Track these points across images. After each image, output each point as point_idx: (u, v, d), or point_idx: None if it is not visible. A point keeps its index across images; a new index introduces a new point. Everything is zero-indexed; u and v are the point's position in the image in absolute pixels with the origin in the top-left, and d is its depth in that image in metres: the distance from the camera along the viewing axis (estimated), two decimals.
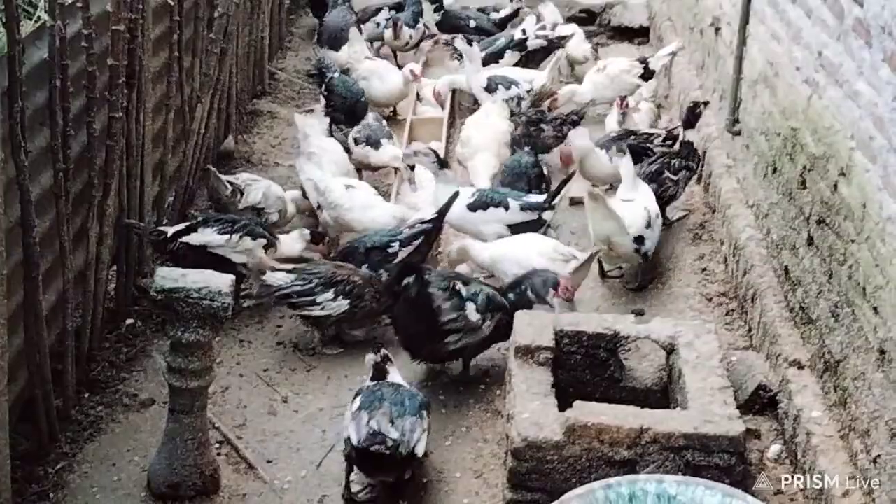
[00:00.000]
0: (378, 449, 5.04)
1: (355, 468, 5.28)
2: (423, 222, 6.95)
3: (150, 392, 5.95)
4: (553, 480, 5.00)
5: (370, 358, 5.70)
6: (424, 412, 5.35)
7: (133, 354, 6.26)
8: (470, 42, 9.63)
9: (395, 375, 5.64)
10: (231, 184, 7.47)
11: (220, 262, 6.43)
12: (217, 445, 5.57)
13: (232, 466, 5.51)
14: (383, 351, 5.73)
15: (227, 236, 6.60)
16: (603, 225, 6.86)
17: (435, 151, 7.39)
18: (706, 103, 8.07)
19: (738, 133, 7.70)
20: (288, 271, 6.44)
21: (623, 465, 4.99)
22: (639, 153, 7.84)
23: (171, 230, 6.64)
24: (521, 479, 5.05)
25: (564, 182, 7.42)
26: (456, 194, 7.06)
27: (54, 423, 5.48)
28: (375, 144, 8.40)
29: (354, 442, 5.14)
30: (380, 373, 5.62)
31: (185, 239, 6.57)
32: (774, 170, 6.63)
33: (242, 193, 7.45)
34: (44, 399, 5.38)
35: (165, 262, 6.63)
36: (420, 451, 5.20)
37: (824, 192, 5.61)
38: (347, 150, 8.42)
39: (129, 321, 6.51)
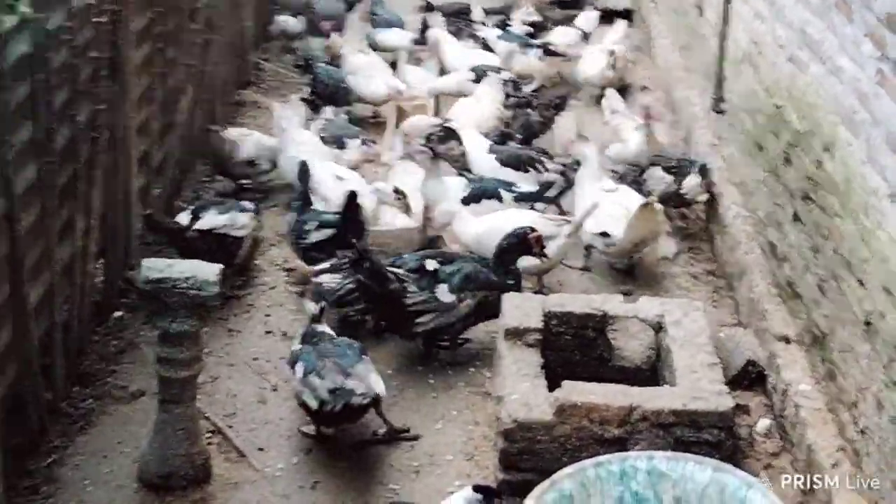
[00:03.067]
0: (357, 402, 5.22)
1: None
2: (328, 225, 6.85)
3: (139, 384, 5.93)
4: (544, 460, 5.02)
5: (310, 307, 5.98)
6: (364, 355, 5.55)
7: (122, 347, 6.25)
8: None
9: (323, 327, 5.85)
10: (230, 141, 7.99)
11: (224, 242, 6.71)
12: (208, 435, 5.56)
13: (223, 455, 5.50)
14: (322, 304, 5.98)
15: (226, 216, 6.75)
16: (648, 229, 6.86)
17: (428, 146, 7.40)
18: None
19: (723, 112, 7.72)
20: (328, 271, 6.46)
21: (613, 443, 5.02)
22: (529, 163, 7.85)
23: (183, 220, 6.76)
24: (512, 460, 5.08)
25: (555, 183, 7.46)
26: (353, 194, 6.86)
27: (44, 417, 5.46)
28: (342, 145, 8.31)
29: (315, 407, 5.29)
30: (315, 322, 5.86)
31: (196, 226, 6.70)
32: (759, 147, 6.65)
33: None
34: (33, 393, 5.35)
35: (181, 252, 6.60)
36: (382, 391, 5.40)
37: (809, 167, 5.63)
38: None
39: (117, 314, 6.49)
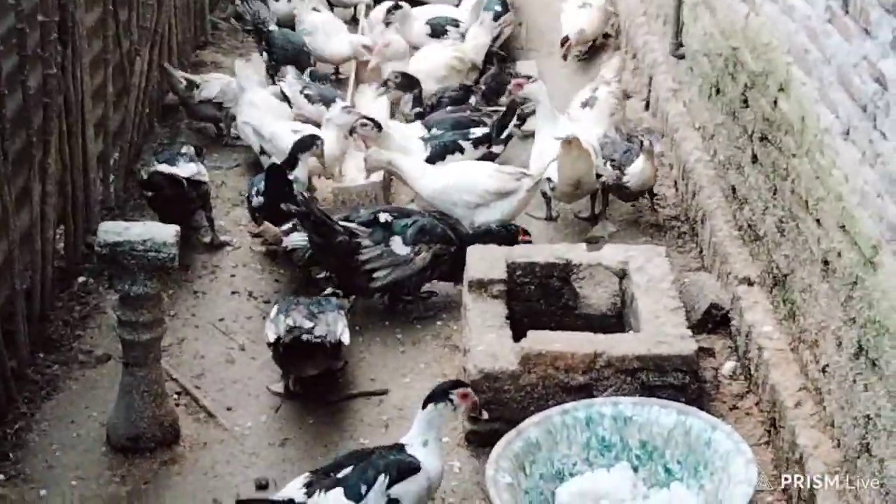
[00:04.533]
0: (307, 338, 5.28)
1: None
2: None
3: (105, 348, 5.91)
4: (511, 410, 5.05)
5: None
6: (341, 311, 5.61)
7: (86, 312, 6.22)
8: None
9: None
10: (186, 78, 8.14)
11: (199, 191, 6.79)
12: (175, 396, 5.57)
13: (192, 416, 5.51)
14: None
15: (194, 164, 6.79)
16: (576, 168, 6.71)
17: (370, 119, 7.29)
18: None
19: (682, 56, 7.70)
20: (295, 229, 6.39)
21: (580, 390, 5.05)
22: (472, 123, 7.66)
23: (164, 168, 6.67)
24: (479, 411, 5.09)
25: (508, 114, 7.43)
26: (276, 168, 6.73)
27: (10, 385, 5.44)
28: (329, 104, 8.19)
29: (272, 339, 5.38)
30: None
31: (185, 175, 6.62)
32: (718, 90, 6.65)
33: (198, 87, 8.09)
34: None
35: (170, 203, 6.61)
36: (346, 340, 5.45)
37: (765, 108, 5.64)
38: (286, 99, 8.25)
39: (80, 279, 6.45)
